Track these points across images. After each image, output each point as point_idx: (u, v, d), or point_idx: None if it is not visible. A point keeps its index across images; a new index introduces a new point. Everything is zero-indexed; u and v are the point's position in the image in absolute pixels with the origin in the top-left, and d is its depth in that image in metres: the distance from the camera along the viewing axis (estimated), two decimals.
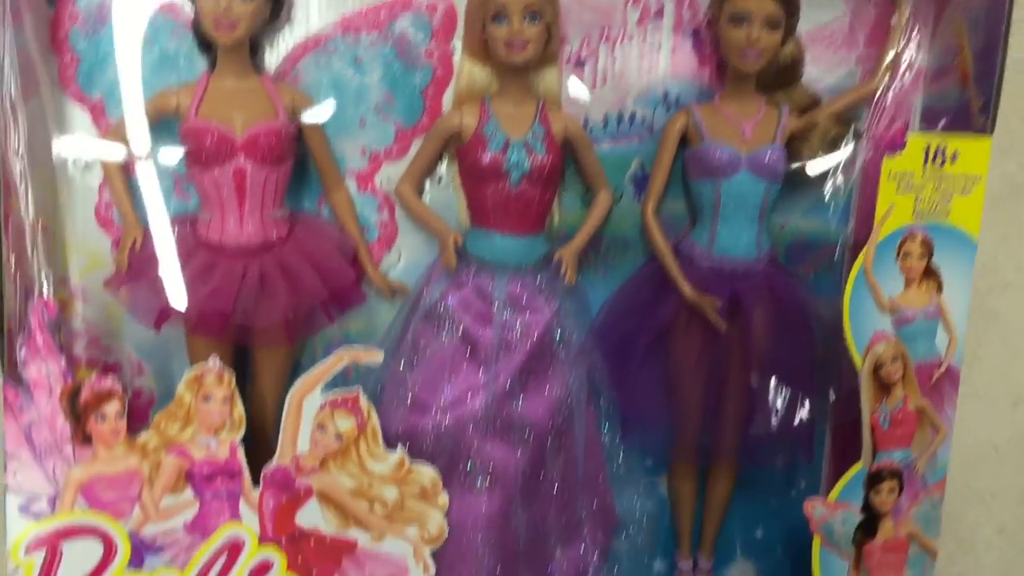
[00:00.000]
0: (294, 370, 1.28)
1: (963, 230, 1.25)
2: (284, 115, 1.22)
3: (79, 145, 1.28)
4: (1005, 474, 1.51)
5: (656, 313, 1.33)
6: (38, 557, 1.19)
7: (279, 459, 1.22)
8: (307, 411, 1.21)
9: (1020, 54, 1.30)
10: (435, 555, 1.26)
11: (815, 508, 1.29)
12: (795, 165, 1.31)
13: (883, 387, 1.27)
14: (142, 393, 1.34)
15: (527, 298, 1.29)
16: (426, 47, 1.30)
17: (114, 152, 1.25)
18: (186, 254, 1.22)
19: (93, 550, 1.20)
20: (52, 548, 1.19)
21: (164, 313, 1.22)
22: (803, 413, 1.31)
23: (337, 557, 1.24)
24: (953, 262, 1.26)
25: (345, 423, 1.21)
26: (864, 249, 1.24)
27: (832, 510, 1.28)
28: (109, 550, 1.20)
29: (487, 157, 1.24)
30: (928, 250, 1.25)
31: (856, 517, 1.30)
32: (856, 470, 1.29)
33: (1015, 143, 1.40)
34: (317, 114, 1.26)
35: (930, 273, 1.25)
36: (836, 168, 1.33)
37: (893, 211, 1.23)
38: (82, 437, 1.18)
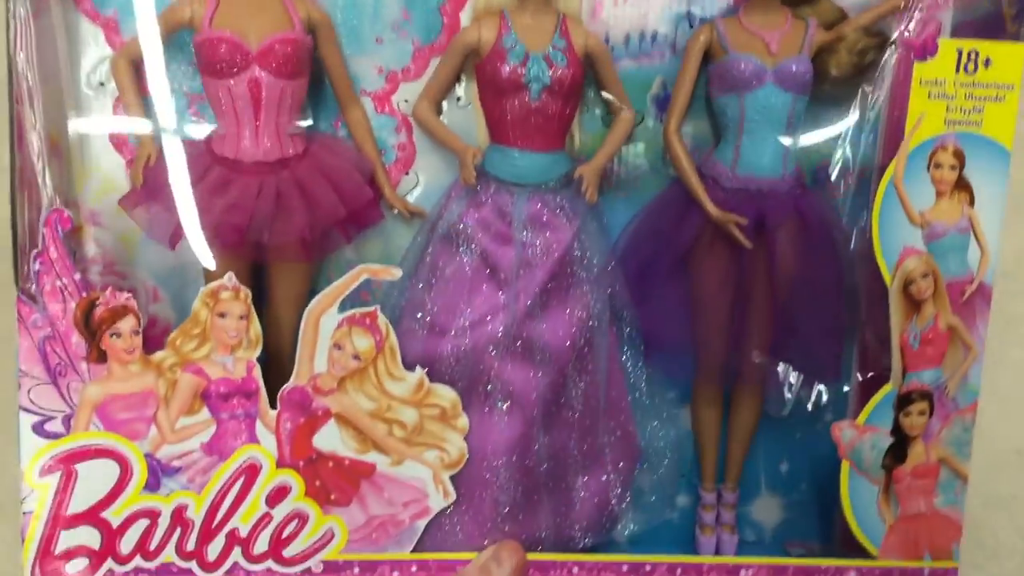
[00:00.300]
0: (311, 291, 1.25)
1: (996, 140, 1.21)
2: (300, 27, 1.20)
3: (91, 64, 1.26)
4: None
5: (679, 234, 1.30)
6: (53, 480, 1.17)
7: (296, 379, 1.20)
8: (324, 330, 1.19)
9: None
10: (455, 480, 1.24)
11: (843, 431, 1.26)
12: (822, 81, 1.28)
13: (913, 305, 1.24)
14: (157, 321, 1.32)
15: (547, 217, 1.26)
16: None
17: (128, 70, 1.22)
18: (201, 170, 1.20)
19: (109, 472, 1.18)
20: (67, 470, 1.17)
21: (180, 230, 1.20)
22: (830, 333, 1.28)
23: (355, 481, 1.22)
24: (985, 173, 1.22)
25: (363, 342, 1.19)
26: (894, 159, 1.21)
27: (861, 433, 1.25)
28: (125, 472, 1.18)
29: (506, 70, 1.21)
30: (960, 161, 1.22)
31: (885, 441, 1.27)
32: (885, 392, 1.26)
33: None
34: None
35: (962, 185, 1.22)
36: (865, 85, 1.30)
37: (924, 119, 1.20)
38: (96, 354, 1.16)
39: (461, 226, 1.25)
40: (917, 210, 1.22)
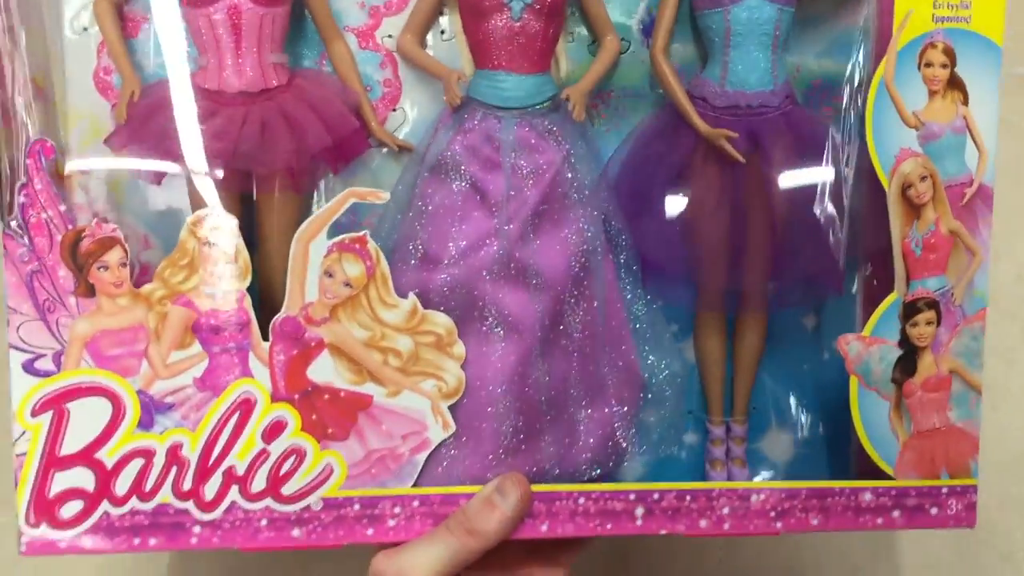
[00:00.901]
0: (300, 223, 1.24)
1: (986, 35, 1.19)
2: None
3: (74, 10, 1.26)
4: None
5: (672, 153, 1.29)
6: (45, 419, 1.15)
7: (287, 309, 1.18)
8: (314, 256, 1.17)
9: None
10: (454, 411, 1.21)
11: (850, 344, 1.23)
12: None
13: (913, 209, 1.21)
14: (150, 268, 1.30)
15: (536, 140, 1.24)
16: None
17: (111, 13, 1.22)
18: (184, 104, 1.19)
19: (101, 410, 1.16)
20: (59, 409, 1.15)
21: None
22: (830, 247, 1.26)
23: (352, 414, 1.20)
24: (977, 71, 1.20)
25: (354, 268, 1.17)
26: (883, 59, 1.19)
27: (868, 345, 1.22)
28: (118, 410, 1.16)
29: None
30: (951, 58, 1.20)
31: (893, 353, 1.24)
32: (890, 302, 1.23)
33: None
34: None
35: (955, 83, 1.20)
36: None
37: (912, 17, 1.18)
38: (85, 288, 1.14)
39: (449, 154, 1.24)
40: (910, 111, 1.20)
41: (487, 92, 1.24)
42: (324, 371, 1.19)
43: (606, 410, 1.28)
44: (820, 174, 1.26)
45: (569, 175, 1.26)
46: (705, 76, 1.28)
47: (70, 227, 1.14)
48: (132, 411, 1.16)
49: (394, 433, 1.21)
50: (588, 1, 1.28)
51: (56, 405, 1.15)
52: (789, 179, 1.26)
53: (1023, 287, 1.38)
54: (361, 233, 1.17)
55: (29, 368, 1.14)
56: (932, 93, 1.21)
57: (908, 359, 1.22)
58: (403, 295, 1.20)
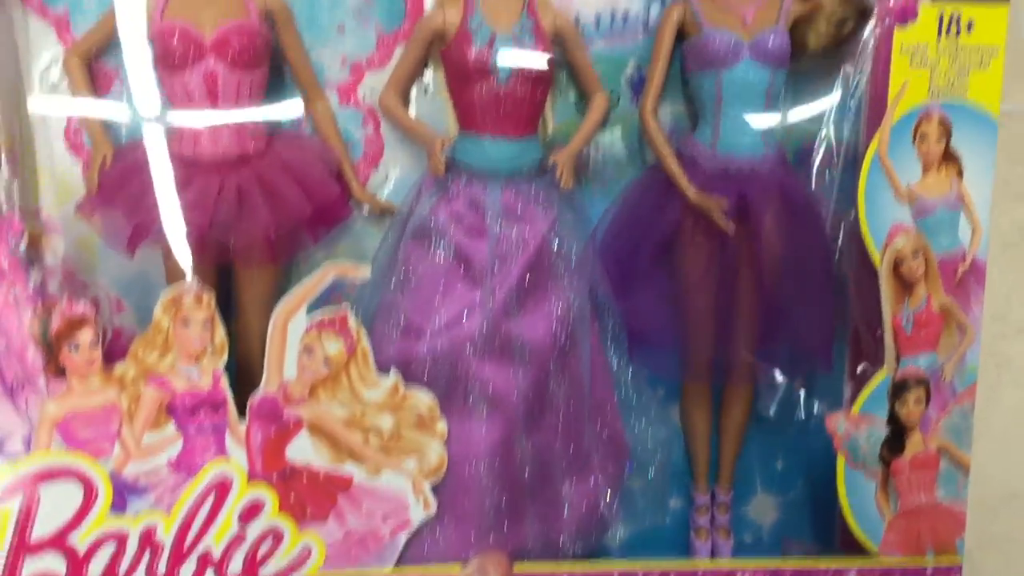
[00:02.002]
0: (278, 294, 1.20)
1: (983, 108, 1.17)
2: (256, 16, 1.15)
3: (45, 64, 1.21)
4: None
5: (659, 221, 1.26)
6: (14, 504, 1.11)
7: (265, 388, 1.14)
8: (293, 334, 1.13)
9: (1013, 105, 1.25)
10: (436, 489, 1.18)
11: (838, 423, 1.21)
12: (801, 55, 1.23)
13: (904, 286, 1.19)
14: (122, 332, 1.26)
15: (522, 208, 1.21)
16: None
17: (81, 68, 1.18)
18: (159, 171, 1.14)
19: (73, 494, 1.12)
20: (29, 493, 1.11)
21: (138, 233, 1.15)
22: (820, 320, 1.23)
23: (332, 495, 1.17)
24: (973, 143, 1.18)
25: (334, 346, 1.14)
26: (878, 132, 1.16)
27: (856, 424, 1.20)
28: (90, 493, 1.12)
29: (472, 53, 1.16)
30: (946, 131, 1.17)
31: (882, 431, 1.22)
32: (879, 379, 1.21)
33: (1019, 188, 1.33)
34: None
35: (949, 157, 1.17)
36: (847, 64, 1.25)
37: (907, 88, 1.15)
38: (55, 368, 1.10)
39: (432, 221, 1.20)
40: (904, 184, 1.17)
41: (472, 156, 1.21)
42: (303, 451, 1.16)
43: (591, 482, 1.25)
44: (810, 244, 1.24)
45: (555, 244, 1.22)
46: (696, 138, 1.25)
47: (40, 304, 1.09)
48: (104, 494, 1.12)
49: (375, 513, 1.18)
50: (576, 60, 1.24)
51: (26, 488, 1.11)
52: (779, 249, 1.23)
53: (1001, 326, 1.36)
54: (342, 310, 1.14)
55: None
56: (927, 166, 1.18)
57: (896, 438, 1.21)
58: (385, 364, 1.17)
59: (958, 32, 1.14)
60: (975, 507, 1.27)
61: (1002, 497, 1.43)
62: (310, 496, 1.16)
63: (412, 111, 1.26)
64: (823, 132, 1.29)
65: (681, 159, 1.25)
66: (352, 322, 1.14)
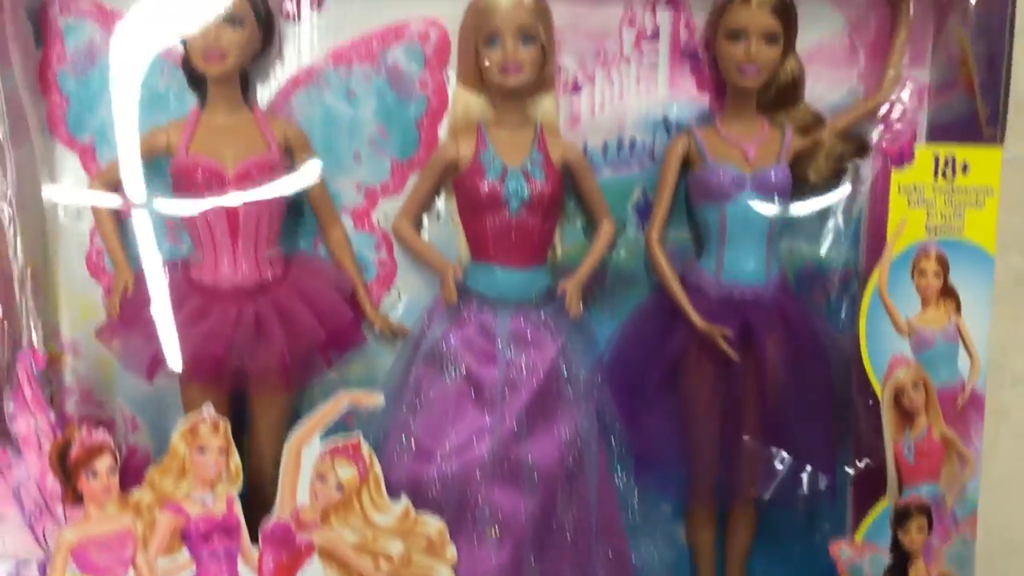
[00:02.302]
0: (292, 419, 1.23)
1: (978, 245, 1.20)
2: (276, 149, 1.19)
3: (69, 189, 1.24)
4: (1021, 572, 1.44)
5: (665, 346, 1.29)
6: None
7: (278, 513, 1.16)
8: (306, 460, 1.16)
9: (1017, 152, 1.27)
10: None
11: (842, 551, 1.23)
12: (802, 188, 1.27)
13: (906, 416, 1.22)
14: (137, 450, 1.29)
15: (531, 334, 1.24)
16: (420, 77, 1.27)
17: (104, 196, 1.21)
18: (179, 299, 1.18)
19: None
20: None
21: (157, 361, 1.18)
22: (823, 447, 1.26)
23: None
24: (970, 279, 1.21)
25: (346, 472, 1.16)
26: (877, 268, 1.20)
27: (859, 552, 1.22)
28: None
29: (485, 186, 1.20)
30: (944, 267, 1.21)
31: (885, 559, 1.24)
32: (882, 508, 1.23)
33: (1019, 237, 1.36)
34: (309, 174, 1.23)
35: (947, 292, 1.21)
36: (845, 189, 1.30)
37: (905, 227, 1.19)
38: (73, 496, 1.12)
39: (444, 346, 1.23)
40: (903, 318, 1.21)
41: (483, 284, 1.24)
42: None
43: None
44: (813, 370, 1.27)
45: (564, 369, 1.25)
46: (701, 265, 1.29)
47: (59, 434, 1.12)
48: None
49: None
50: (584, 187, 1.28)
51: None
52: (782, 375, 1.26)
53: (998, 375, 1.37)
54: (355, 438, 1.16)
55: None
56: (925, 301, 1.21)
57: (899, 565, 1.23)
58: (396, 486, 1.19)
59: (953, 173, 1.18)
60: (977, 559, 1.28)
61: (1003, 548, 1.42)
62: None
63: (424, 236, 1.29)
64: (823, 254, 1.33)
65: (686, 285, 1.28)
66: (365, 448, 1.16)
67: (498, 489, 1.22)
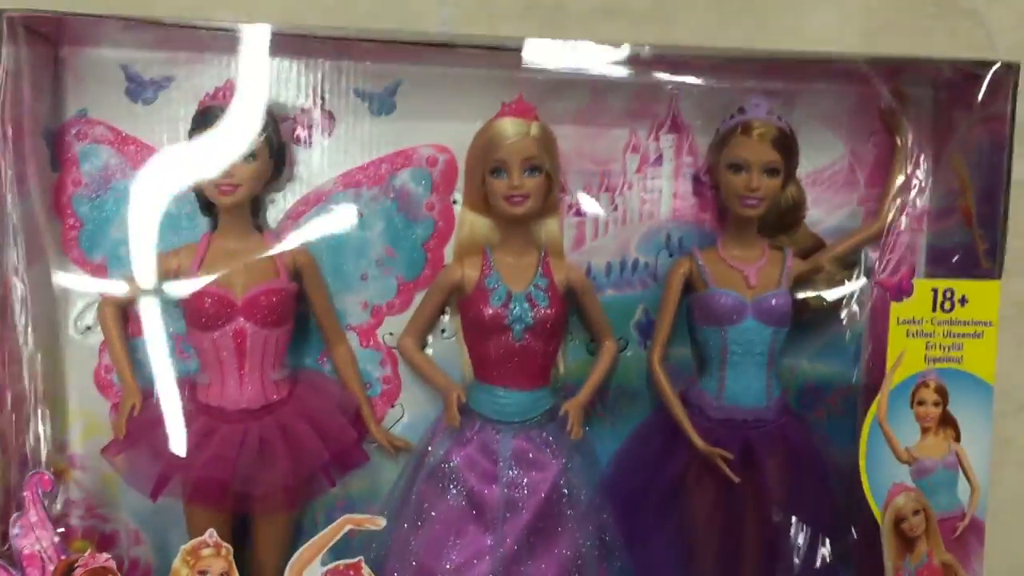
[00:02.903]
0: (295, 536, 1.24)
1: (977, 376, 1.22)
2: (285, 274, 1.21)
3: (79, 310, 1.27)
4: None
5: (667, 466, 1.30)
6: None
7: None
8: None
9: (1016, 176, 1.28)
10: None
11: None
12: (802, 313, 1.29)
13: (906, 542, 1.22)
14: (139, 564, 1.30)
15: (533, 454, 1.25)
16: (427, 200, 1.30)
17: (115, 316, 1.24)
18: (186, 419, 1.19)
19: None
20: None
21: (162, 482, 1.19)
22: (824, 567, 1.26)
23: None
24: (970, 408, 1.22)
25: None
26: (877, 398, 1.21)
27: None
28: None
29: (489, 311, 1.22)
30: (943, 397, 1.22)
31: None
32: None
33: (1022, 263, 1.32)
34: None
35: (947, 420, 1.22)
36: (844, 310, 1.32)
37: (904, 357, 1.20)
38: None
39: (446, 464, 1.25)
40: (903, 446, 1.22)
41: (486, 406, 1.25)
42: None
43: None
44: (814, 492, 1.27)
45: (565, 490, 1.26)
46: (702, 387, 1.30)
47: (63, 557, 1.13)
48: None
49: None
50: (588, 308, 1.30)
51: None
52: (782, 496, 1.27)
53: (1001, 404, 1.31)
54: (356, 560, 1.17)
55: None
56: (925, 430, 1.22)
57: None
58: None
59: (952, 307, 1.20)
60: None
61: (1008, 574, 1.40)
62: None
63: (429, 351, 1.31)
64: (822, 366, 1.35)
65: (687, 405, 1.30)
66: (366, 571, 1.17)
67: None
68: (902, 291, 1.19)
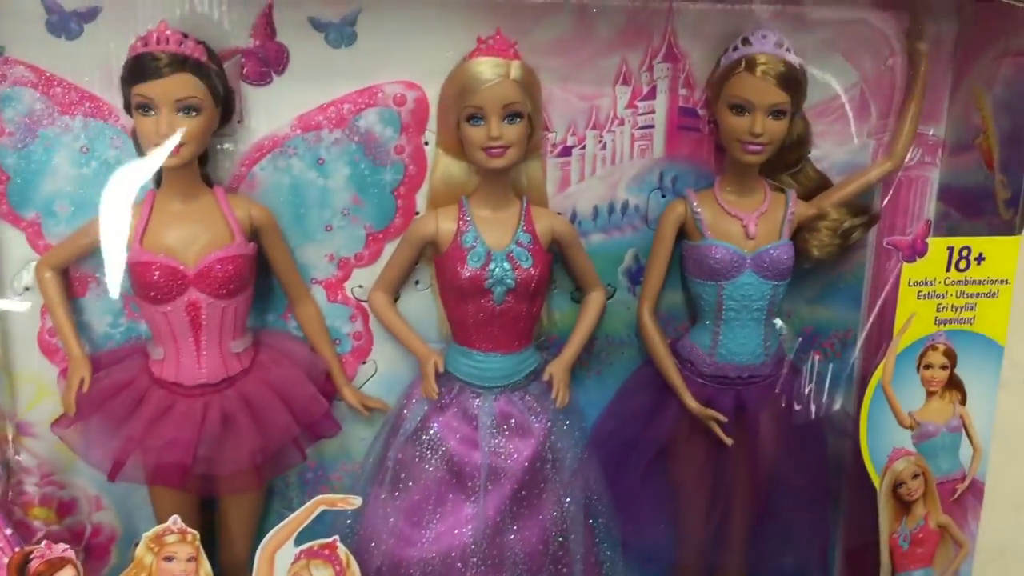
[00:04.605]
0: (264, 512, 1.18)
1: (989, 336, 1.14)
2: (241, 236, 1.10)
3: (15, 270, 1.16)
4: None
5: (656, 423, 1.24)
6: None
7: None
8: (280, 564, 1.11)
9: None
10: None
11: None
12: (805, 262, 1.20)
13: (903, 505, 1.17)
14: (102, 529, 1.24)
15: (516, 419, 1.18)
16: (396, 143, 1.17)
17: (54, 278, 1.13)
18: (139, 393, 1.10)
19: None
20: None
21: (119, 462, 1.11)
22: (815, 530, 1.22)
23: None
24: (978, 369, 1.15)
25: (323, 574, 1.11)
26: (882, 362, 1.13)
27: None
28: None
29: (467, 273, 1.12)
30: (952, 360, 1.15)
31: None
32: None
33: None
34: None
35: (954, 383, 1.15)
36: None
37: (913, 322, 1.12)
38: None
39: (424, 429, 1.17)
40: (907, 411, 1.15)
41: (466, 370, 1.17)
42: None
43: None
44: (807, 454, 1.22)
45: (550, 455, 1.20)
46: (693, 340, 1.22)
47: (17, 548, 1.06)
48: None
49: None
50: (573, 259, 1.20)
51: None
52: (775, 458, 1.22)
53: None
54: (331, 539, 1.11)
55: None
56: (930, 393, 1.16)
57: None
58: (374, 570, 1.16)
59: (967, 265, 1.11)
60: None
61: (989, 554, 1.33)
62: None
63: (401, 303, 1.22)
64: (821, 310, 1.28)
65: (678, 357, 1.22)
66: (341, 549, 1.11)
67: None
68: (916, 251, 1.10)
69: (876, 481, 1.17)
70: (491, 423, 1.17)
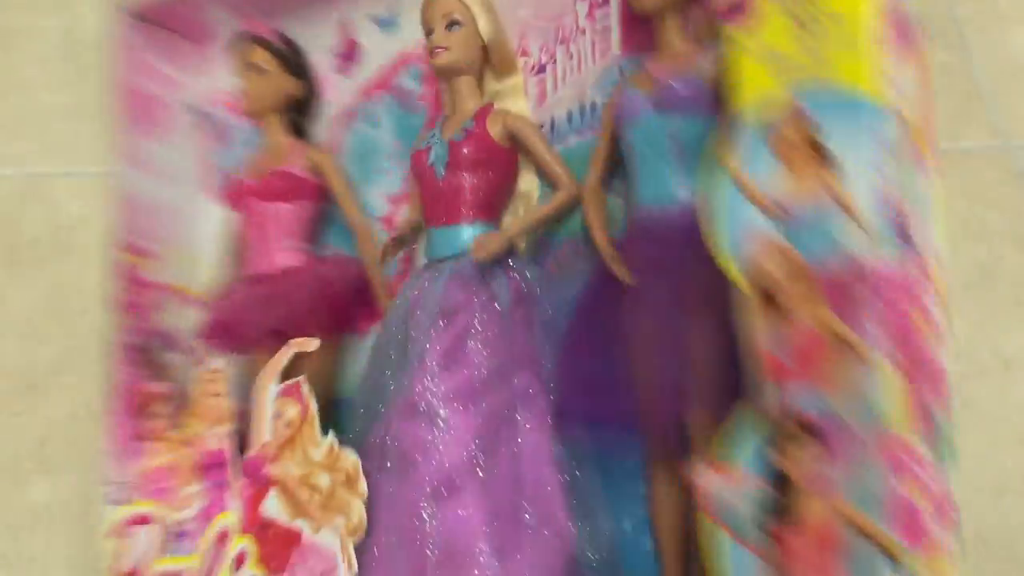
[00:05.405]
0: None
1: (852, 92, 0.94)
2: (300, 164, 1.47)
3: None
4: (992, 567, 1.28)
5: (604, 295, 1.20)
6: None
7: (251, 449, 1.35)
8: (268, 399, 1.34)
9: (970, 143, 1.30)
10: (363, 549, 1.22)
11: (705, 478, 0.96)
12: None
13: (774, 307, 0.95)
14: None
15: (458, 292, 1.26)
16: (420, 92, 1.46)
17: None
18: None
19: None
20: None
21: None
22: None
23: (288, 549, 1.28)
24: (844, 134, 0.94)
25: (292, 410, 1.31)
26: (721, 139, 1.00)
27: (727, 480, 0.94)
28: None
29: (413, 152, 1.32)
30: (807, 124, 0.96)
31: (762, 493, 0.93)
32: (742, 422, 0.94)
33: (984, 230, 1.33)
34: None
35: (816, 149, 0.95)
36: None
37: (753, 84, 0.99)
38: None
39: (392, 306, 1.33)
40: (764, 193, 0.97)
41: (426, 248, 1.33)
42: (272, 507, 1.31)
43: (516, 567, 1.15)
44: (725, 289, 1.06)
45: (490, 320, 1.24)
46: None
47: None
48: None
49: (315, 570, 1.25)
50: (532, 154, 1.31)
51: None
52: (697, 297, 1.08)
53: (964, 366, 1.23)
54: (297, 379, 1.31)
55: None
56: (790, 168, 0.97)
57: (782, 504, 0.91)
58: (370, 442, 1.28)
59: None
60: None
61: (971, 542, 1.16)
62: (273, 550, 1.29)
63: None
64: None
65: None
66: (304, 388, 1.30)
67: (407, 428, 1.22)
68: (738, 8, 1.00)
69: (739, 281, 0.97)
70: (439, 292, 1.27)
